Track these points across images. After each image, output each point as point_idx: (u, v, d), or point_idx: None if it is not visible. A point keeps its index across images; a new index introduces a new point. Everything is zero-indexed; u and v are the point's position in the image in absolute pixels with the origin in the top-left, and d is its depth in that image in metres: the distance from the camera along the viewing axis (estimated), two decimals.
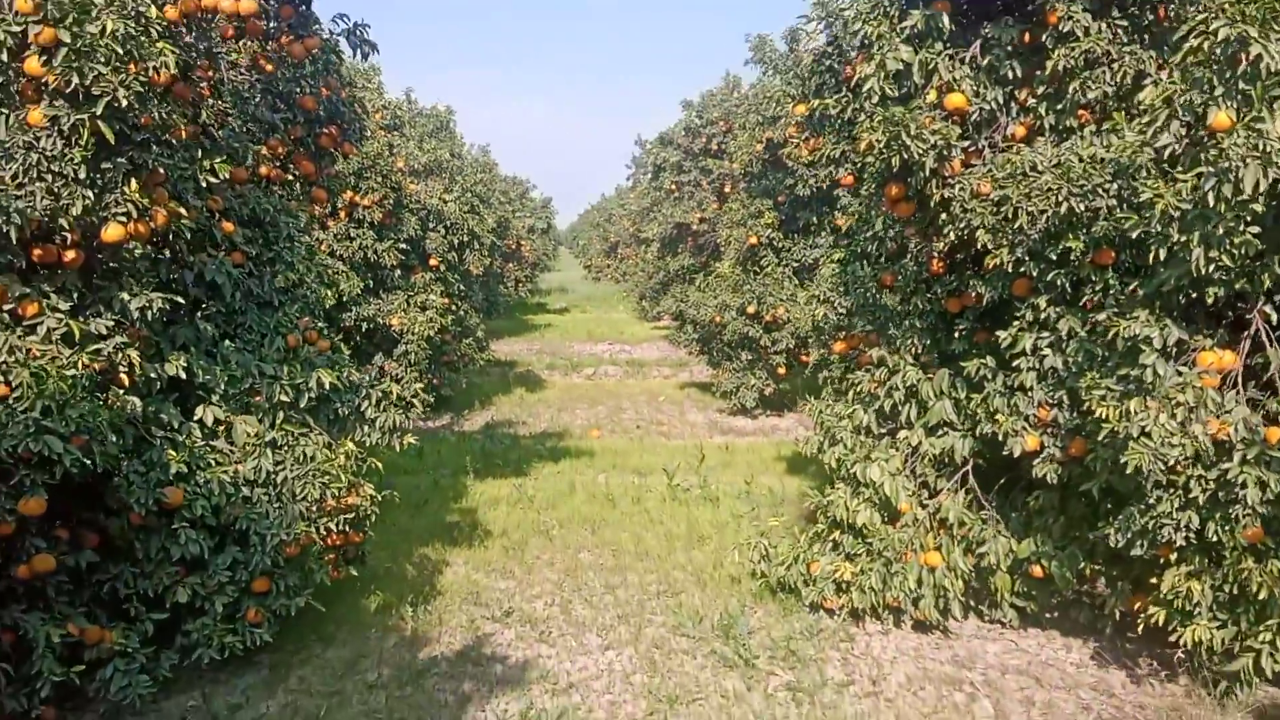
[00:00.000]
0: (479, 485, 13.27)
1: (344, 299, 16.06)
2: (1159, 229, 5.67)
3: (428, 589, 9.40)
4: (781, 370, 18.25)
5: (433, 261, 17.39)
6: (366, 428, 8.56)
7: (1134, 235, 5.89)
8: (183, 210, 6.61)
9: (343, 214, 16.38)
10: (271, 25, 8.99)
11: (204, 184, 6.78)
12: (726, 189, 28.17)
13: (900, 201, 7.76)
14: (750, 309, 17.83)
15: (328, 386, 7.87)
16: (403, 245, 16.89)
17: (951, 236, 7.61)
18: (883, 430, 9.09)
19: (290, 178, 10.01)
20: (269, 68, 9.30)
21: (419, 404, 8.96)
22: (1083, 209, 6.73)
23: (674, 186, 29.38)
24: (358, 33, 9.51)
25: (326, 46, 9.65)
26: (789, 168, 18.16)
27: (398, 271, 17.01)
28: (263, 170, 9.81)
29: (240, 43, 9.28)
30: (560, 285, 62.15)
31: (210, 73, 9.09)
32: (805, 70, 9.14)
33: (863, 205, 9.37)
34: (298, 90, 9.48)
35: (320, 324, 9.01)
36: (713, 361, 20.44)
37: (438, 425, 17.91)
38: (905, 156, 6.98)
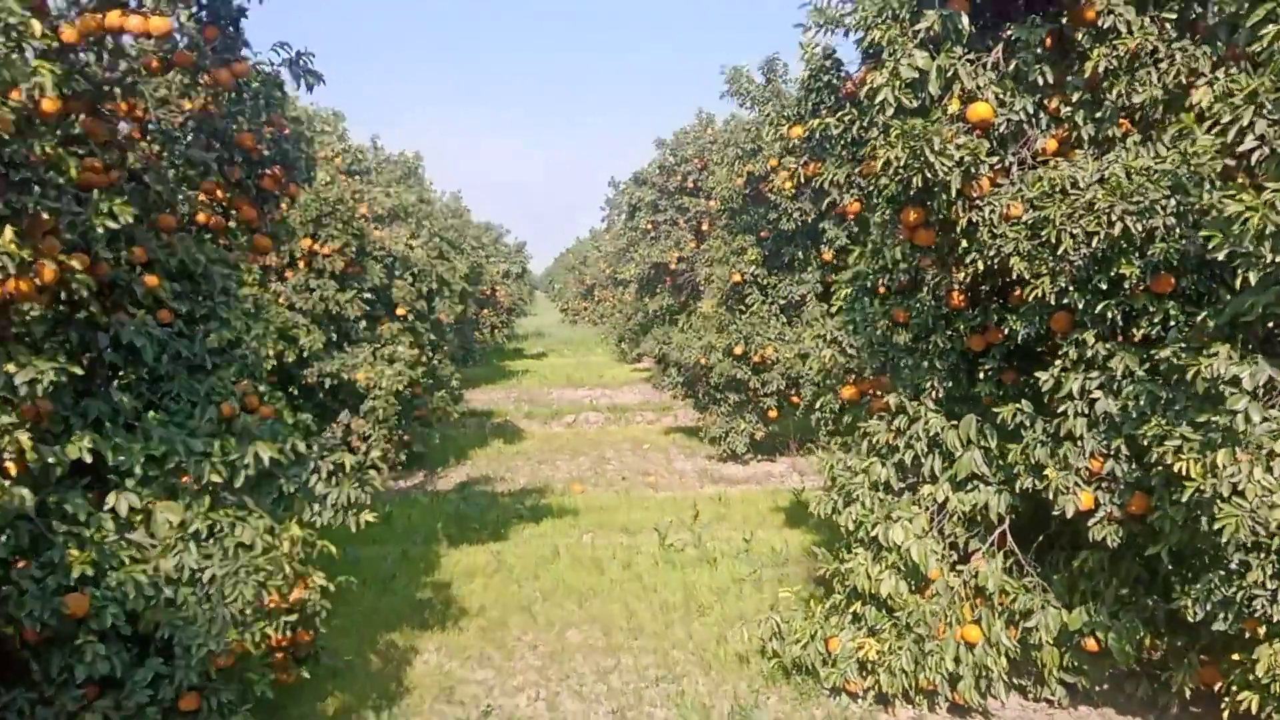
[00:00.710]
0: (453, 554, 12.11)
1: (305, 354, 14.96)
2: (1250, 247, 4.73)
3: (394, 685, 8.23)
4: (772, 413, 17.25)
5: (400, 311, 16.34)
6: (317, 505, 7.44)
7: (1218, 256, 4.94)
8: (75, 264, 5.53)
9: (302, 264, 15.32)
10: (203, 59, 8.02)
11: (100, 230, 5.71)
12: (704, 227, 27.41)
13: (919, 228, 6.82)
14: (737, 349, 16.86)
15: (267, 461, 6.75)
16: (367, 295, 15.82)
17: (979, 265, 6.67)
18: (903, 485, 8.10)
19: (232, 225, 8.99)
20: (201, 102, 8.32)
21: (380, 473, 7.81)
22: (1139, 229, 5.80)
23: (650, 226, 28.57)
24: (301, 62, 8.53)
25: (267, 80, 8.68)
26: (771, 201, 17.33)
27: (363, 323, 15.93)
28: (200, 217, 8.81)
29: (168, 76, 8.31)
30: (537, 330, 61.17)
31: (138, 111, 8.10)
32: (801, 87, 8.23)
33: (872, 235, 8.42)
34: (234, 127, 8.46)
35: (262, 387, 7.92)
36: (699, 405, 19.44)
37: (409, 485, 16.73)
38: (928, 176, 6.04)
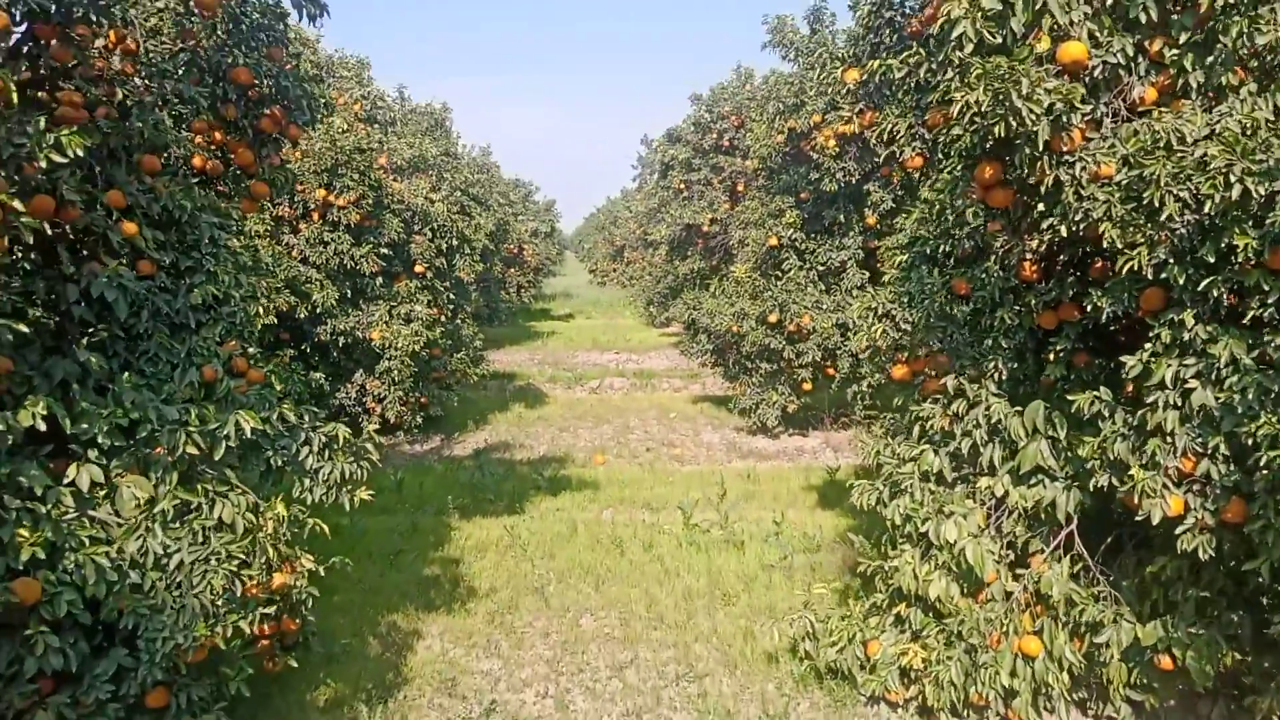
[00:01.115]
0: (466, 526, 11.47)
1: (318, 310, 14.32)
2: None
3: (393, 675, 7.60)
4: (806, 386, 16.41)
5: (418, 268, 15.62)
6: (308, 481, 6.75)
7: None
8: (18, 205, 4.80)
9: (316, 216, 14.62)
10: None
11: (45, 164, 4.96)
12: (739, 187, 26.41)
13: (994, 187, 5.94)
14: (772, 318, 16.00)
15: (249, 432, 6.06)
16: (384, 250, 15.12)
17: (1063, 232, 5.79)
18: (957, 476, 7.29)
19: (228, 169, 8.27)
20: (195, 34, 7.60)
21: (391, 438, 7.09)
22: (1260, 193, 4.90)
23: (683, 185, 27.61)
24: None
25: (268, 11, 7.91)
26: (813, 160, 16.35)
27: (379, 280, 15.24)
28: (196, 161, 8.10)
29: (158, 3, 7.59)
30: (565, 290, 60.42)
31: (129, 43, 7.38)
32: (859, 25, 7.31)
33: (929, 195, 7.54)
34: (228, 61, 7.70)
35: (252, 349, 7.22)
36: (729, 374, 18.64)
37: (425, 450, 16.12)
38: (1012, 124, 5.16)
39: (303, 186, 14.33)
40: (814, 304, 16.17)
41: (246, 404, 6.48)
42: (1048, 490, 6.68)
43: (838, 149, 15.66)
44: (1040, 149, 5.41)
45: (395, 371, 15.07)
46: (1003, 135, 5.28)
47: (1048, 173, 5.48)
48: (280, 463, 6.66)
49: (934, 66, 6.16)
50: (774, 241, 16.97)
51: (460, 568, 10.03)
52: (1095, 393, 6.24)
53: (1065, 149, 5.44)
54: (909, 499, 7.13)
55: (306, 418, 6.81)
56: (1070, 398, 6.36)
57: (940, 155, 6.84)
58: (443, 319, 16.54)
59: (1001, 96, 5.09)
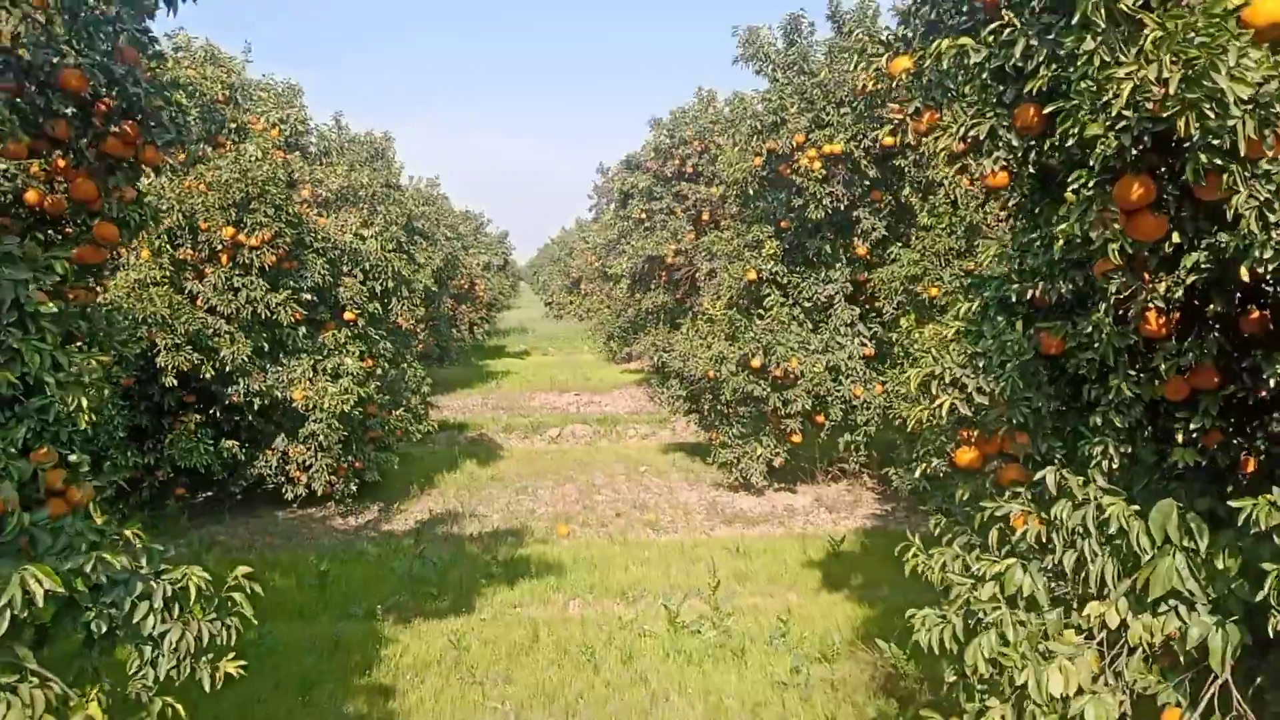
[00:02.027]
0: (402, 636, 9.36)
1: (228, 368, 12.16)
2: None
3: None
4: (795, 437, 14.54)
5: (348, 315, 13.54)
6: (149, 650, 4.67)
7: None
8: None
9: (224, 258, 12.50)
10: None
11: None
12: (705, 217, 24.68)
13: (1142, 211, 4.09)
14: (754, 361, 14.14)
15: (40, 599, 3.97)
16: (307, 296, 13.02)
17: (1243, 275, 3.96)
18: (1054, 597, 5.41)
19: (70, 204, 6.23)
20: (11, 27, 5.60)
21: (244, 605, 5.00)
22: None
23: (644, 215, 25.87)
24: None
25: None
26: (795, 185, 14.60)
27: (301, 330, 13.12)
28: (30, 196, 6.09)
29: None
30: (520, 324, 58.34)
31: None
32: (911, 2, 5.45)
33: (1022, 221, 5.69)
34: (53, 59, 5.68)
35: (74, 456, 5.14)
36: (705, 423, 16.73)
37: (359, 524, 13.95)
38: (1212, 115, 3.31)
39: (207, 224, 12.21)
40: (800, 344, 14.35)
41: (48, 548, 4.40)
42: (1193, 625, 4.83)
43: (824, 171, 13.93)
44: (1230, 155, 3.58)
45: (322, 435, 12.93)
46: (1184, 135, 3.43)
47: (1240, 188, 3.64)
48: (105, 628, 4.57)
49: (1033, 44, 4.34)
50: (752, 275, 15.16)
51: (392, 702, 7.91)
52: (1271, 499, 4.40)
53: (1269, 154, 3.61)
54: (995, 637, 5.22)
55: (146, 560, 4.73)
56: (1235, 503, 4.52)
57: (1033, 168, 5.00)
58: (379, 371, 14.44)
59: (1197, 73, 3.25)
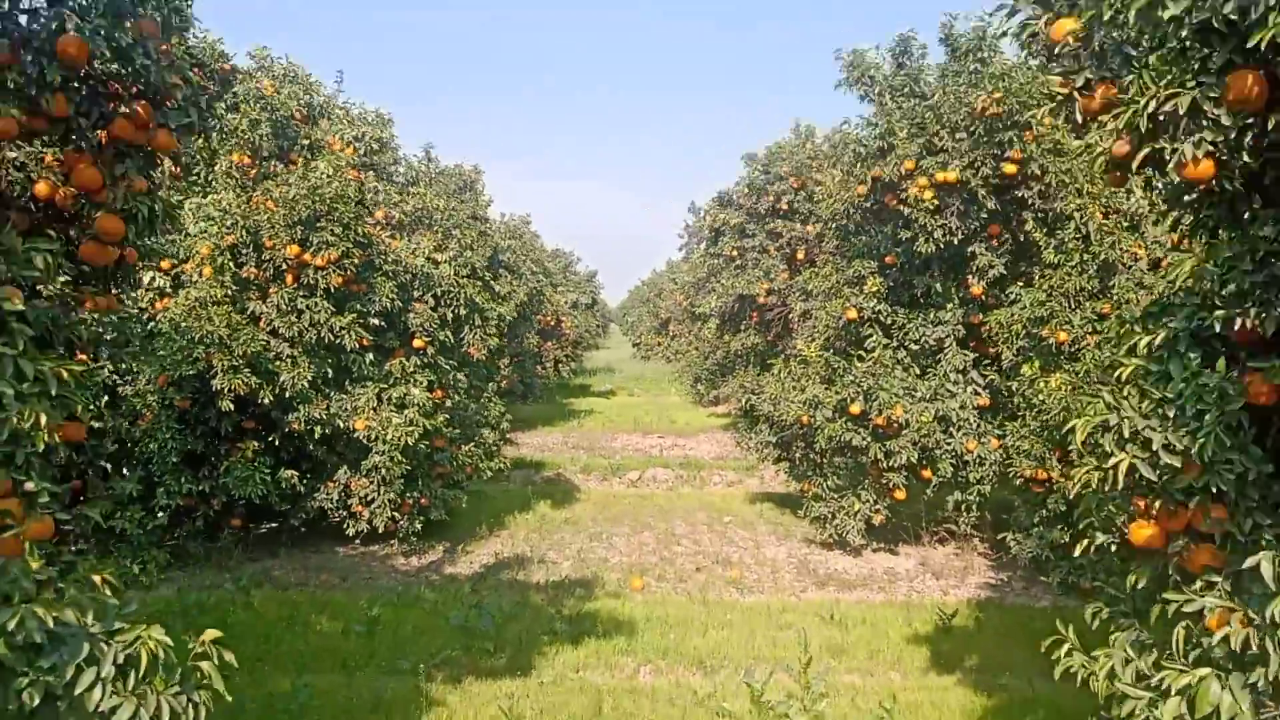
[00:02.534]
0: (450, 697, 8.32)
1: (286, 395, 11.47)
2: None
3: None
4: (899, 494, 13.13)
5: (417, 342, 12.77)
6: None
7: None
8: None
9: (289, 278, 11.88)
10: None
11: None
12: (799, 255, 23.49)
13: None
14: (854, 408, 12.85)
15: None
16: (374, 320, 12.31)
17: None
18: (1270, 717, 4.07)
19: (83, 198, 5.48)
20: None
21: (213, 676, 4.01)
22: None
23: (735, 253, 24.81)
24: None
25: None
26: (903, 217, 13.36)
27: (369, 356, 12.40)
28: (40, 189, 5.39)
29: None
30: (608, 364, 57.69)
31: None
32: None
33: (1227, 228, 4.41)
34: (53, 26, 4.93)
35: (36, 480, 4.25)
36: (796, 473, 15.43)
37: (421, 564, 13.05)
38: None
39: (272, 242, 11.62)
40: (906, 391, 13.00)
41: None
42: None
43: (936, 202, 12.67)
44: None
45: (384, 469, 12.12)
46: None
47: None
48: (39, 699, 3.64)
49: None
50: (852, 315, 13.90)
51: None
52: None
53: None
54: None
55: (94, 616, 3.79)
56: None
57: (1249, 155, 3.77)
58: (449, 403, 13.62)
59: None
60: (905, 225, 13.33)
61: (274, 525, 13.59)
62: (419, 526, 13.39)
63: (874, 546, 14.08)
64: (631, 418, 31.01)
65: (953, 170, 12.36)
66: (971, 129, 12.34)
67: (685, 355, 40.06)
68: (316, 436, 12.03)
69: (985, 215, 12.84)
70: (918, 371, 13.35)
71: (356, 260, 11.94)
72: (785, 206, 23.39)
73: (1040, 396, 11.43)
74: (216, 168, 12.45)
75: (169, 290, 12.09)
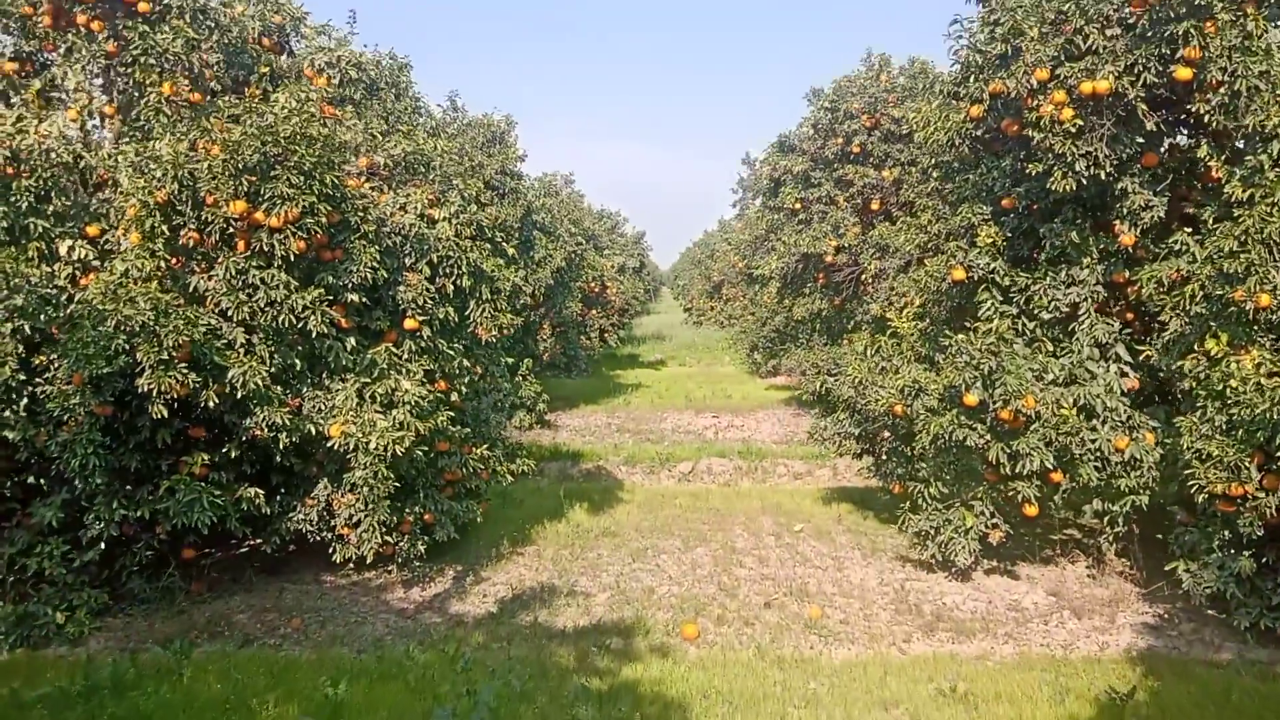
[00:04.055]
0: None
1: (239, 394, 8.93)
2: None
3: None
4: (1030, 509, 10.21)
5: (410, 323, 10.11)
6: None
7: None
8: None
9: (241, 244, 9.27)
10: None
11: None
12: (874, 205, 20.42)
13: None
14: (970, 397, 9.93)
15: None
16: (351, 296, 9.67)
17: None
18: None
19: None
20: None
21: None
22: None
23: (798, 205, 21.76)
24: None
25: None
26: (1027, 147, 10.33)
27: (349, 341, 9.80)
28: None
29: None
30: (657, 331, 54.86)
31: None
32: None
33: None
34: None
35: None
36: (883, 472, 12.59)
37: (422, 600, 10.50)
38: None
39: (213, 198, 9.00)
40: (1036, 374, 10.04)
41: None
42: None
43: (1078, 123, 9.60)
44: None
45: (367, 486, 9.54)
46: None
47: None
48: None
49: None
50: (960, 274, 10.94)
51: None
52: None
53: None
54: None
55: None
56: None
57: None
58: (454, 396, 11.00)
59: None
60: (1031, 157, 10.29)
61: (243, 551, 11.15)
62: (422, 549, 10.84)
63: (986, 567, 11.20)
64: (683, 392, 28.24)
65: (1103, 79, 9.26)
66: (1130, 22, 9.23)
67: (740, 321, 37.14)
68: (283, 446, 9.46)
69: (1142, 140, 9.75)
70: (1049, 348, 10.36)
71: (325, 219, 9.28)
72: (857, 149, 20.28)
73: (1232, 382, 8.44)
74: (144, 102, 9.82)
75: (95, 263, 9.57)
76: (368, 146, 10.51)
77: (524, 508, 14.14)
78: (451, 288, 10.34)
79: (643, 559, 11.92)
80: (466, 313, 10.65)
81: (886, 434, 12.48)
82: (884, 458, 12.56)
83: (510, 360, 21.54)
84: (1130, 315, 10.73)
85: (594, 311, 35.18)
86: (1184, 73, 9.05)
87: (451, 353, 10.60)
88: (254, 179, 9.04)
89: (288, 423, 9.23)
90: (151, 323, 8.52)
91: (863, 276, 19.89)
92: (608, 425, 22.94)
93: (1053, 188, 9.76)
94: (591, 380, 31.10)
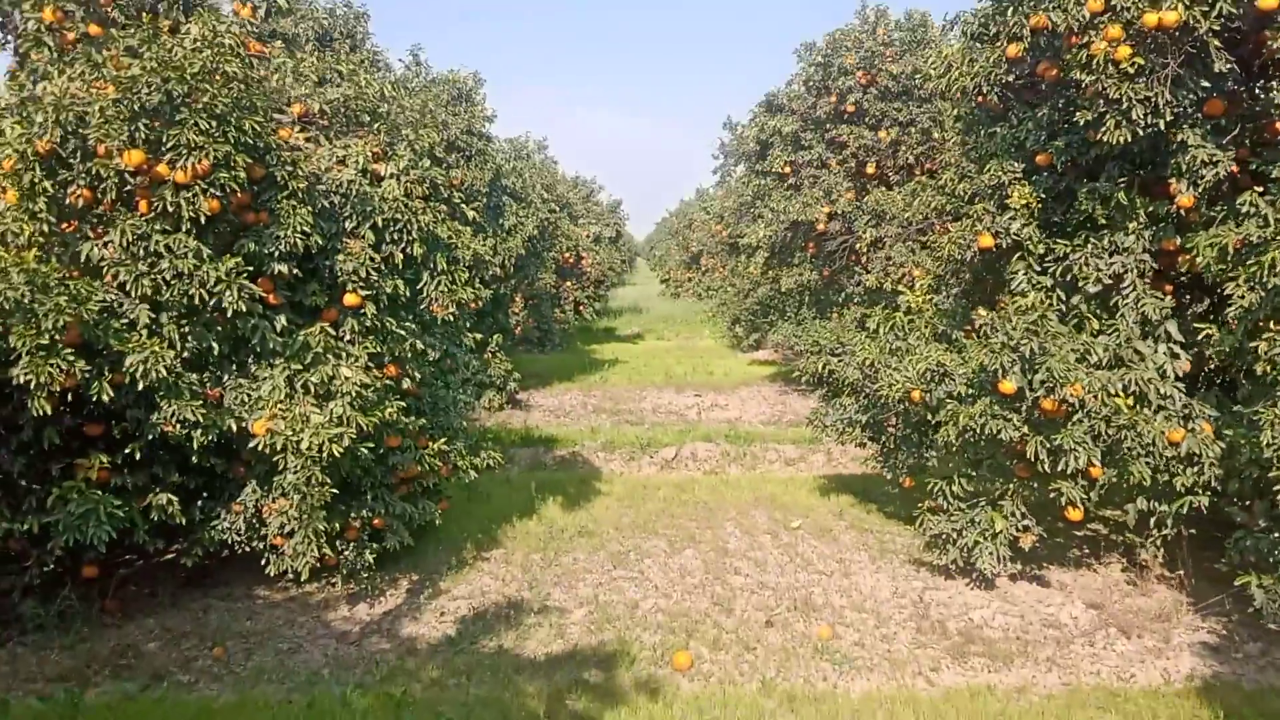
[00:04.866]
0: None
1: (140, 384, 7.40)
2: None
3: None
4: (1074, 512, 8.88)
5: (351, 298, 8.58)
6: None
7: None
8: None
9: (142, 204, 7.70)
10: None
11: None
12: (870, 169, 19.01)
13: None
14: (1007, 384, 8.57)
15: None
16: (279, 266, 8.14)
17: None
18: None
19: None
20: None
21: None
22: None
23: (788, 169, 20.28)
24: None
25: None
26: (1068, 92, 8.92)
27: (278, 320, 8.28)
28: None
29: None
30: (634, 304, 53.36)
31: None
32: None
33: None
34: None
35: None
36: (891, 462, 11.26)
37: (367, 622, 9.06)
38: None
39: (104, 147, 7.40)
40: (1079, 356, 8.69)
41: None
42: None
43: (1138, 62, 8.19)
44: None
45: (299, 492, 8.05)
46: None
47: None
48: None
49: None
50: (987, 241, 9.56)
51: None
52: None
53: None
54: None
55: None
56: None
57: None
58: (410, 381, 9.51)
59: None
60: (1070, 105, 8.88)
61: (168, 560, 9.67)
62: (370, 559, 9.39)
63: (1011, 571, 9.90)
64: (662, 368, 26.84)
65: (1170, 8, 7.84)
66: None
67: (719, 293, 35.70)
68: (199, 445, 7.95)
69: (1207, 84, 8.36)
70: (1095, 325, 9.02)
71: (244, 174, 7.71)
72: (851, 108, 18.82)
73: None
74: (20, 32, 8.17)
75: None
76: (303, 91, 8.90)
77: (491, 503, 12.71)
78: (401, 257, 8.81)
79: (624, 564, 10.54)
80: (420, 286, 9.13)
81: (896, 422, 11.15)
82: (892, 447, 11.23)
83: (478, 336, 20.05)
84: (1169, 288, 9.39)
85: (569, 283, 33.60)
86: (1269, 1, 7.65)
87: (402, 332, 9.08)
88: (155, 124, 7.45)
89: (201, 418, 7.71)
90: (27, 300, 6.95)
91: (857, 246, 18.51)
92: (584, 405, 21.51)
93: (1104, 139, 8.35)
94: (566, 355, 29.63)
